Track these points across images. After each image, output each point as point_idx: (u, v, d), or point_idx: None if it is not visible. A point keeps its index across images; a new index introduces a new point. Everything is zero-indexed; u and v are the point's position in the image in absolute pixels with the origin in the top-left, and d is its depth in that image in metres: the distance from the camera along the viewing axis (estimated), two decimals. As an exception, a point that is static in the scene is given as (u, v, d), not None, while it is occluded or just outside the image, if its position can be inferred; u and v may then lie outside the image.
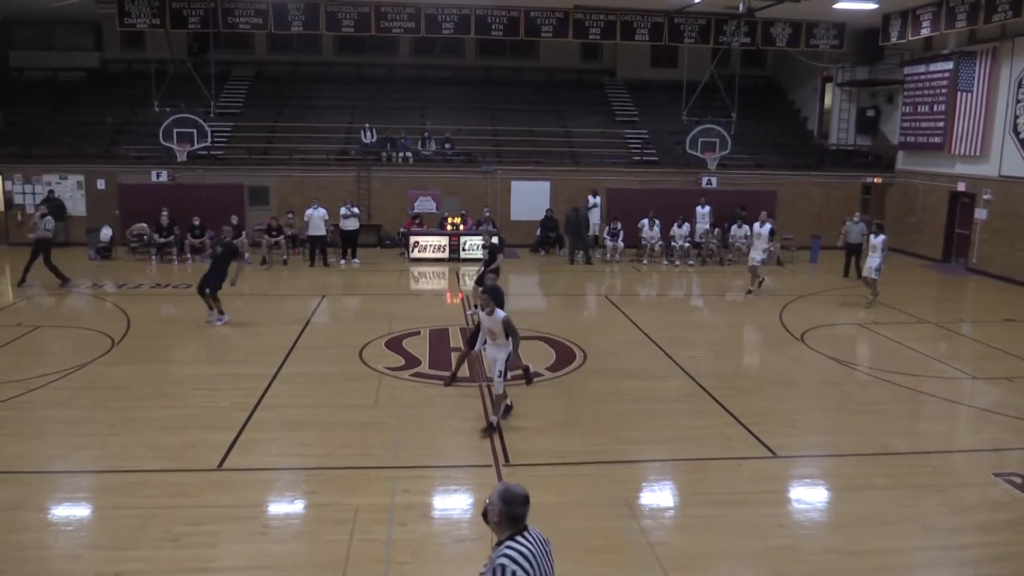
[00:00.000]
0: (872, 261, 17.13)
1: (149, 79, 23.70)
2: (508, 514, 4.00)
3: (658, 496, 8.47)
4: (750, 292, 18.39)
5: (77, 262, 20.40)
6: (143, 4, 22.67)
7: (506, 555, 3.91)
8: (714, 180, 25.22)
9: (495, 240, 16.54)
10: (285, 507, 7.95)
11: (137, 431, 9.59)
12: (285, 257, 21.46)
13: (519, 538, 3.98)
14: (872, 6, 22.25)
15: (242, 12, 23.03)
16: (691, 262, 22.69)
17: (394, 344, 13.66)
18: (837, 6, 22.12)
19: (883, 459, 9.34)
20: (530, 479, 8.39)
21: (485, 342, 10.07)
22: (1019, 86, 20.64)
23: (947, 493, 8.42)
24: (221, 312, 14.92)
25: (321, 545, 7.11)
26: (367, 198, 24.11)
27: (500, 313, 9.52)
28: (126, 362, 12.43)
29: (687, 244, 22.89)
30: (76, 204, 23.74)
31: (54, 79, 27.58)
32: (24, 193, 23.68)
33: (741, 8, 21.95)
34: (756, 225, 18.49)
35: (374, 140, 25.20)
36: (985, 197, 21.82)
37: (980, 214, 22.05)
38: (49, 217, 18.30)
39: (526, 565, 3.88)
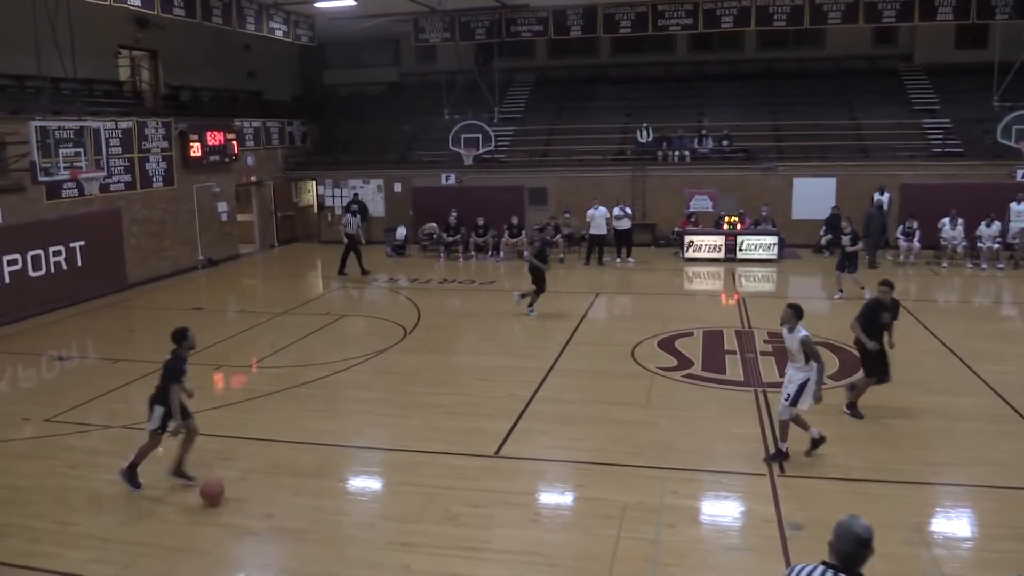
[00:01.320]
0: None
1: (440, 89, 25.44)
2: (835, 548, 3.70)
3: (955, 524, 7.63)
4: None
5: (376, 258, 22.42)
6: (435, 20, 24.44)
7: (793, 567, 3.73)
8: (1032, 173, 22.29)
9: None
10: (556, 497, 8.18)
11: (424, 415, 10.36)
12: (562, 255, 22.07)
13: (827, 571, 3.65)
14: None
15: (524, 21, 24.05)
16: (1001, 265, 20.21)
17: (667, 344, 13.55)
18: None
19: None
20: (807, 493, 8.01)
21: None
22: None
23: None
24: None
25: (590, 538, 7.22)
26: (642, 197, 24.13)
27: (801, 331, 8.61)
28: (416, 351, 13.48)
29: (997, 245, 20.41)
30: (376, 206, 26.10)
31: (360, 93, 30.60)
32: (333, 196, 26.47)
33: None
34: None
35: (650, 139, 25.16)
36: None
37: None
38: (349, 215, 20.55)
39: None
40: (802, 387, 8.64)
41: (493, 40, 25.02)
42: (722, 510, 7.90)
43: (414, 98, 29.09)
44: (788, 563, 6.68)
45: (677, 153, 24.63)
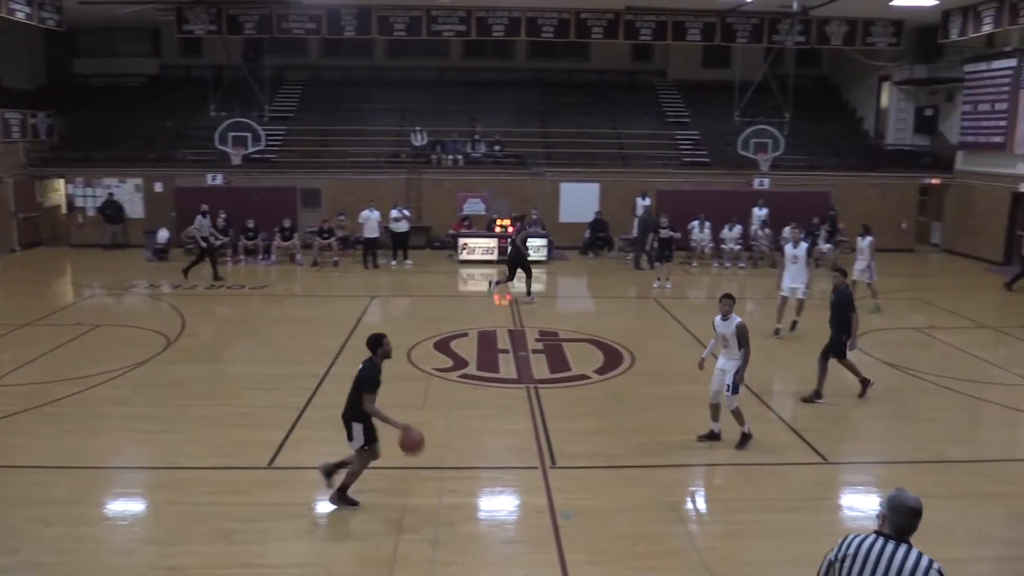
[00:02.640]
0: (858, 264, 16.54)
1: (206, 84, 24.20)
2: (890, 520, 3.97)
3: (707, 501, 8.37)
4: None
5: (135, 263, 20.91)
6: (200, 11, 23.21)
7: (845, 537, 4.04)
8: (767, 181, 24.85)
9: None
10: (333, 506, 8.04)
11: (191, 429, 9.81)
12: (336, 258, 21.72)
13: (878, 538, 3.94)
14: (932, 2, 21.73)
15: (296, 18, 23.42)
16: (742, 264, 22.40)
17: (442, 345, 13.74)
18: (895, 3, 21.66)
19: (941, 467, 9.12)
20: (577, 482, 8.43)
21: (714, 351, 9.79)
22: (1086, 83, 19.96)
23: (1006, 503, 8.18)
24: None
25: (369, 544, 7.19)
26: (417, 200, 24.29)
27: (737, 319, 9.28)
28: (181, 361, 12.72)
29: (739, 246, 22.60)
30: (134, 207, 24.32)
31: (115, 85, 28.34)
32: (85, 196, 24.35)
33: (795, 6, 21.67)
34: (789, 246, 15.20)
35: (424, 143, 25.40)
36: (1050, 198, 21.14)
37: (1044, 215, 21.36)
38: (200, 217, 19.88)
39: (845, 554, 3.97)
40: (736, 375, 9.21)
41: (263, 36, 24.15)
42: (498, 505, 8.15)
43: (177, 93, 27.50)
44: (561, 551, 7.03)
45: (451, 157, 25.03)
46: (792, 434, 9.97)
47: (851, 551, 3.97)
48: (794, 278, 14.58)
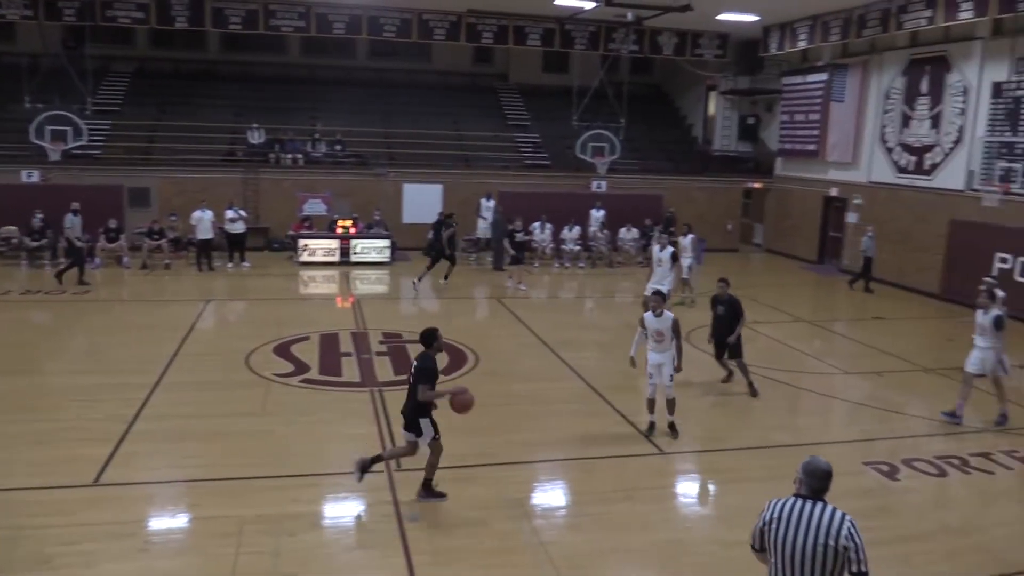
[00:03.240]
0: (684, 261, 17.41)
1: (20, 73, 22.41)
2: (806, 483, 4.46)
3: (550, 496, 8.58)
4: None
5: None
6: (13, -7, 21.46)
7: (770, 502, 4.52)
8: (603, 184, 25.73)
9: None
10: (167, 522, 7.66)
11: (7, 447, 9.06)
12: (167, 261, 20.66)
13: (797, 500, 4.44)
14: (753, 18, 23.19)
15: (122, 5, 22.11)
16: (581, 264, 23.09)
17: (282, 350, 13.36)
18: (720, 17, 22.95)
19: (764, 452, 9.76)
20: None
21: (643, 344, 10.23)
22: (887, 97, 21.90)
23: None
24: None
25: (206, 559, 6.89)
26: (255, 200, 23.48)
27: (670, 314, 9.95)
28: (-7, 373, 11.73)
29: (578, 247, 23.28)
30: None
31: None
32: None
33: (630, 17, 22.54)
34: (656, 249, 15.84)
35: (262, 141, 24.59)
36: (856, 202, 23.04)
37: (851, 218, 23.26)
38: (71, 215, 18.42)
39: (771, 518, 4.45)
40: (675, 363, 9.96)
41: (85, 23, 22.61)
42: (342, 511, 8.01)
43: (-16, 81, 25.32)
44: (408, 554, 7.01)
45: (290, 156, 24.38)
46: (630, 427, 10.38)
47: (776, 514, 4.46)
48: (659, 280, 15.18)
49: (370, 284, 20.25)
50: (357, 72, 29.58)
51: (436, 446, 7.97)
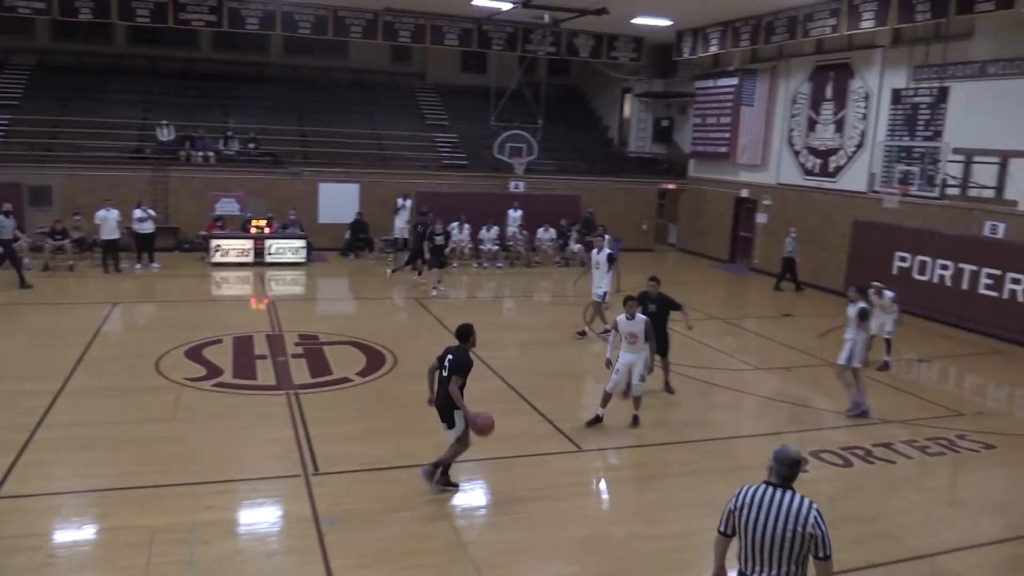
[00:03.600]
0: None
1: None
2: (776, 471, 4.60)
3: (470, 496, 8.56)
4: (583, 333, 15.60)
5: None
6: None
7: (740, 488, 4.66)
8: (521, 184, 25.88)
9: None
10: (73, 534, 7.36)
11: None
12: (71, 262, 19.85)
13: (768, 487, 4.59)
14: (666, 23, 23.66)
15: (20, -6, 21.09)
16: (500, 264, 23.17)
17: (194, 353, 12.99)
18: (635, 21, 23.33)
19: (679, 447, 9.99)
20: (341, 487, 8.31)
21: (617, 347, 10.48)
22: (794, 102, 22.68)
23: (734, 476, 9.06)
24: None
25: (115, 571, 6.65)
26: (164, 199, 22.77)
27: (642, 317, 10.28)
28: None
29: (496, 247, 23.35)
30: None
31: None
32: None
33: (546, 19, 22.71)
34: (594, 252, 15.62)
35: (172, 138, 23.86)
36: (765, 203, 23.79)
37: (761, 218, 23.99)
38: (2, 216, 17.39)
39: (742, 503, 4.59)
40: (645, 363, 10.37)
41: (-23, 13, 21.52)
42: (259, 517, 7.84)
43: None
44: (326, 559, 6.91)
45: (201, 154, 23.73)
46: (549, 425, 10.46)
47: (746, 500, 4.61)
48: (597, 283, 15.28)
49: (286, 285, 19.87)
50: (271, 69, 29.01)
51: (466, 440, 8.16)
